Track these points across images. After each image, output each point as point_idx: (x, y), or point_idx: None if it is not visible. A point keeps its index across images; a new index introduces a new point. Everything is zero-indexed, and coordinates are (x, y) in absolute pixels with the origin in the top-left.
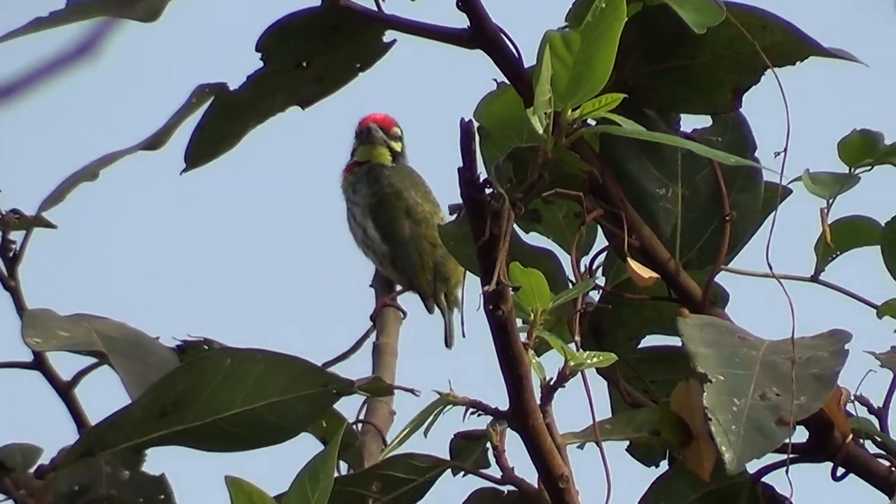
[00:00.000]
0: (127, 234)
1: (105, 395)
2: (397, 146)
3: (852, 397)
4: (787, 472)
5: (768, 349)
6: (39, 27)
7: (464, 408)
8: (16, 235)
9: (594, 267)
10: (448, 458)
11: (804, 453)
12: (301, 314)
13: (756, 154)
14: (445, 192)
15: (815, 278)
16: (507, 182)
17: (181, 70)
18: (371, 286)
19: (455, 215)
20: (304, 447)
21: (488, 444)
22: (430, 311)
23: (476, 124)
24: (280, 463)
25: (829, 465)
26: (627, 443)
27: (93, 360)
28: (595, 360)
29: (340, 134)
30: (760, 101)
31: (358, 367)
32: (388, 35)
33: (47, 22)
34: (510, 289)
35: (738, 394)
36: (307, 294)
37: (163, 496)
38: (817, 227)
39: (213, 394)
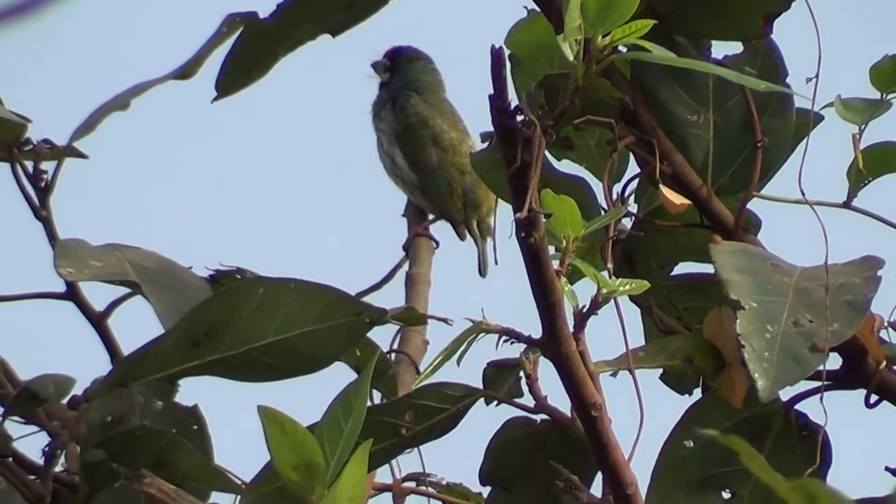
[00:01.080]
0: (159, 163)
1: (138, 325)
2: (384, 76)
3: (886, 324)
4: (821, 399)
5: (801, 276)
6: None
7: (497, 336)
8: (47, 166)
9: (626, 194)
10: (481, 386)
11: (837, 380)
12: (334, 244)
13: (787, 80)
14: (477, 120)
15: (847, 204)
16: (539, 109)
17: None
18: (403, 216)
19: (487, 142)
20: (337, 376)
21: (521, 373)
22: (461, 237)
23: (507, 52)
24: (313, 392)
25: (863, 391)
26: (661, 370)
27: (126, 291)
28: (627, 287)
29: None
30: (791, 27)
31: (391, 297)
32: None
33: None
34: (542, 216)
35: (771, 320)
36: (340, 224)
37: (196, 426)
38: (849, 153)
39: (246, 323)
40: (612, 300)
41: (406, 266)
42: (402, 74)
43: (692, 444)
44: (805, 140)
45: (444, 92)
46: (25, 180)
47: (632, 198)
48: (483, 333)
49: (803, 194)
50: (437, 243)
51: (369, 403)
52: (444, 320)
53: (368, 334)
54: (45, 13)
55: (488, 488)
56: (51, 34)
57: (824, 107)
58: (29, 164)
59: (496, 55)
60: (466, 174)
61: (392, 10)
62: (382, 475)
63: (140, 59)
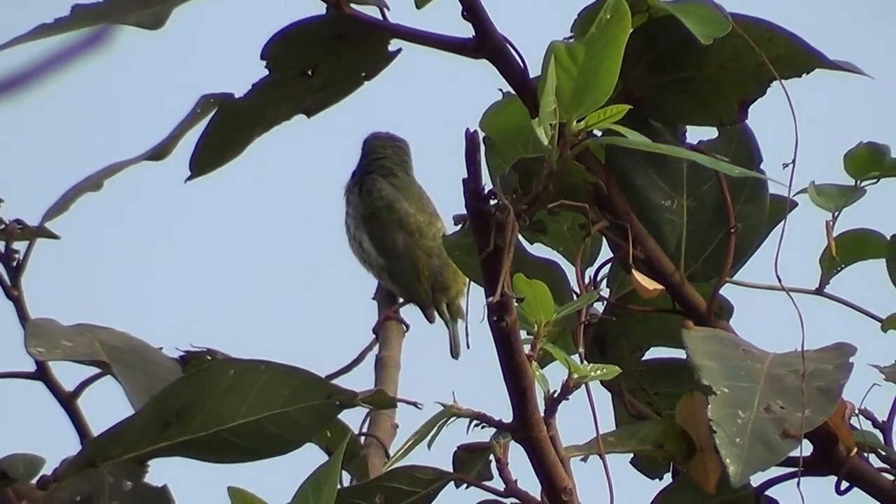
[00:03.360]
0: (130, 244)
1: (108, 405)
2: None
3: (857, 411)
4: (798, 484)
5: (773, 362)
6: (44, 34)
7: (467, 420)
8: (19, 245)
9: (598, 278)
10: (451, 470)
11: (809, 466)
12: (304, 326)
13: (762, 166)
14: (451, 203)
15: (819, 291)
16: (513, 193)
17: (185, 77)
18: (374, 299)
19: (459, 226)
20: (307, 458)
21: (491, 457)
22: (430, 320)
23: (481, 135)
24: (283, 474)
25: (834, 478)
26: (631, 455)
27: (96, 371)
28: (599, 372)
29: (345, 144)
30: (766, 113)
31: (361, 380)
32: (394, 44)
33: (52, 28)
34: (514, 300)
35: (742, 406)
36: (310, 306)
37: None
38: (822, 239)
39: (216, 405)
40: (584, 385)
41: (376, 349)
42: (370, 156)
43: None
44: (782, 225)
45: (411, 172)
46: None
47: (604, 282)
48: (454, 417)
49: (779, 280)
50: (408, 326)
51: (339, 486)
52: (414, 404)
53: (339, 417)
54: (18, 95)
55: None
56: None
57: (798, 193)
58: (0, 244)
59: (470, 139)
60: (434, 257)
61: (366, 91)
62: None
63: (113, 140)
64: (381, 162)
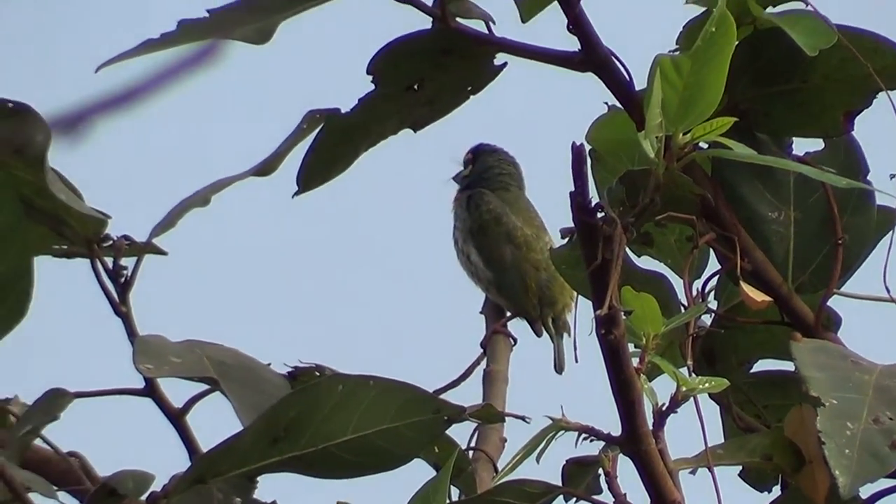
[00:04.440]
0: (238, 259)
1: (217, 421)
2: (465, 171)
3: None
4: None
5: (882, 373)
6: (151, 49)
7: (576, 433)
8: (127, 261)
9: (706, 291)
10: (560, 484)
11: None
12: (413, 341)
13: (868, 177)
14: (557, 216)
15: None
16: (619, 206)
17: (292, 92)
18: (481, 313)
19: (567, 239)
20: (416, 473)
21: (600, 470)
22: (537, 334)
23: (588, 148)
24: (392, 490)
25: None
26: (740, 468)
27: (204, 387)
28: (707, 385)
29: (452, 156)
30: (872, 124)
31: (469, 394)
32: (499, 58)
33: (159, 44)
34: (622, 313)
35: (851, 418)
36: (418, 320)
37: None
38: None
39: (325, 420)
40: (692, 398)
41: (484, 363)
42: (480, 170)
43: None
44: (888, 237)
45: (523, 187)
46: (105, 276)
47: (712, 294)
48: (562, 431)
49: (888, 291)
50: (515, 340)
51: (448, 501)
52: (522, 418)
53: (447, 431)
54: (134, 109)
55: None
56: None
57: None
58: (109, 260)
59: (577, 152)
60: (542, 270)
61: (473, 105)
62: None
63: (221, 155)
64: (494, 175)
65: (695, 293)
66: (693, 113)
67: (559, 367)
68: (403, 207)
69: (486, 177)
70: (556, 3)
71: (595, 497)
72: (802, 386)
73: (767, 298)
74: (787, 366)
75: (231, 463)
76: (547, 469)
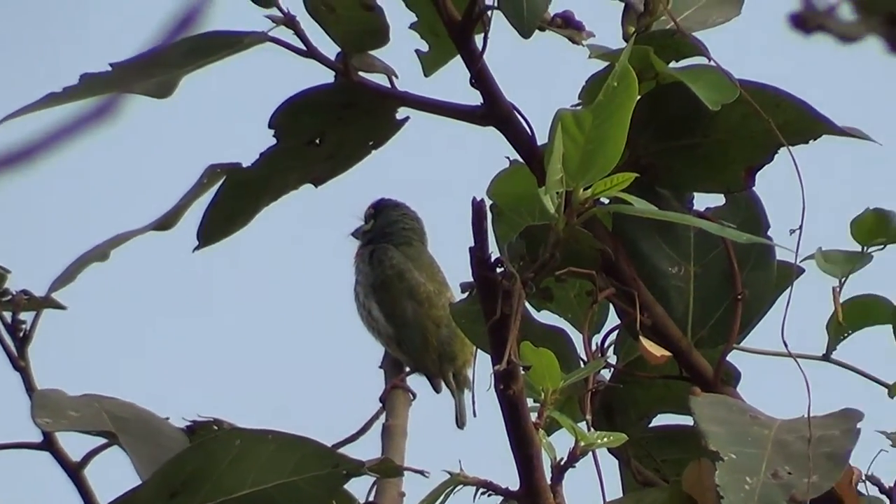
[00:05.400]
0: (137, 313)
1: (115, 475)
2: (367, 225)
3: (863, 477)
4: None
5: (780, 428)
6: (53, 102)
7: (474, 488)
8: (26, 316)
9: (606, 345)
10: None
11: None
12: (311, 395)
13: (769, 232)
14: (458, 271)
15: (826, 357)
16: (520, 260)
17: (192, 147)
18: (380, 367)
19: (467, 293)
20: None
21: None
22: (437, 390)
23: (489, 202)
24: None
25: None
26: None
27: (103, 441)
28: (606, 439)
29: (351, 211)
30: (773, 180)
31: (367, 449)
32: (402, 112)
33: (61, 97)
34: (521, 368)
35: (750, 472)
36: (316, 375)
37: None
38: (829, 305)
39: (223, 475)
40: (591, 452)
41: (383, 417)
42: (383, 225)
43: None
44: (789, 292)
45: (425, 242)
46: (4, 331)
47: (611, 349)
48: (460, 485)
49: (786, 346)
50: (414, 395)
51: None
52: (421, 472)
53: (345, 486)
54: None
55: None
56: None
57: (805, 259)
58: (7, 315)
59: (477, 207)
60: (443, 327)
61: (375, 161)
62: None
63: (119, 211)
64: (397, 230)
65: (594, 348)
66: (594, 168)
67: (460, 422)
68: (304, 262)
69: (389, 231)
70: (458, 57)
71: None
72: (701, 440)
73: (667, 353)
74: (687, 420)
75: None
76: None
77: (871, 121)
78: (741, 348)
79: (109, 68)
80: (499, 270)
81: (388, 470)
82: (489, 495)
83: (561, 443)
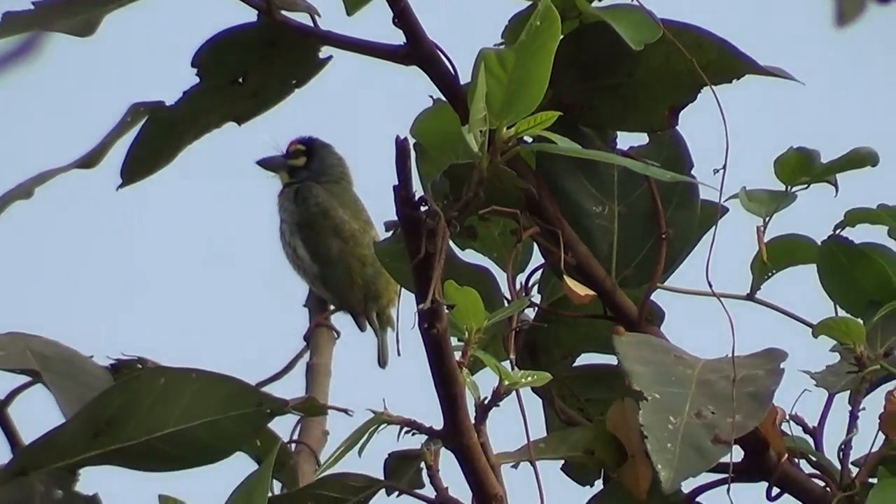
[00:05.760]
0: (61, 252)
1: (39, 413)
2: (297, 162)
3: (787, 416)
4: (728, 490)
5: (704, 368)
6: None
7: (398, 427)
8: None
9: (530, 284)
10: (382, 477)
11: (739, 473)
12: (235, 333)
13: (693, 171)
14: (382, 209)
15: (751, 296)
16: (444, 199)
17: (116, 85)
18: (305, 306)
19: (391, 232)
20: (238, 466)
21: (422, 464)
22: (361, 328)
23: (412, 141)
24: (214, 483)
25: (765, 484)
26: (562, 462)
27: (27, 379)
28: (530, 378)
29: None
30: (697, 119)
31: (291, 387)
32: (324, 51)
33: None
34: (445, 307)
35: (673, 412)
36: (241, 313)
37: None
38: (754, 245)
39: (147, 413)
40: (515, 391)
41: (307, 356)
42: (321, 168)
43: None
44: (713, 231)
45: (350, 181)
46: None
47: (535, 288)
48: (384, 424)
49: (710, 286)
50: (338, 333)
51: (270, 494)
52: (345, 411)
53: (269, 425)
54: None
55: None
56: None
57: (729, 198)
58: None
59: (401, 146)
60: (367, 266)
61: (297, 98)
62: None
63: (44, 148)
64: (326, 168)
65: (518, 287)
66: (517, 107)
67: (383, 361)
68: (227, 199)
69: (315, 169)
70: None
71: (417, 491)
72: (625, 380)
73: (591, 292)
74: (611, 360)
75: (53, 455)
76: (369, 463)
77: (793, 59)
78: (665, 287)
79: (32, 6)
80: (423, 209)
81: (312, 408)
82: (413, 434)
83: (485, 382)
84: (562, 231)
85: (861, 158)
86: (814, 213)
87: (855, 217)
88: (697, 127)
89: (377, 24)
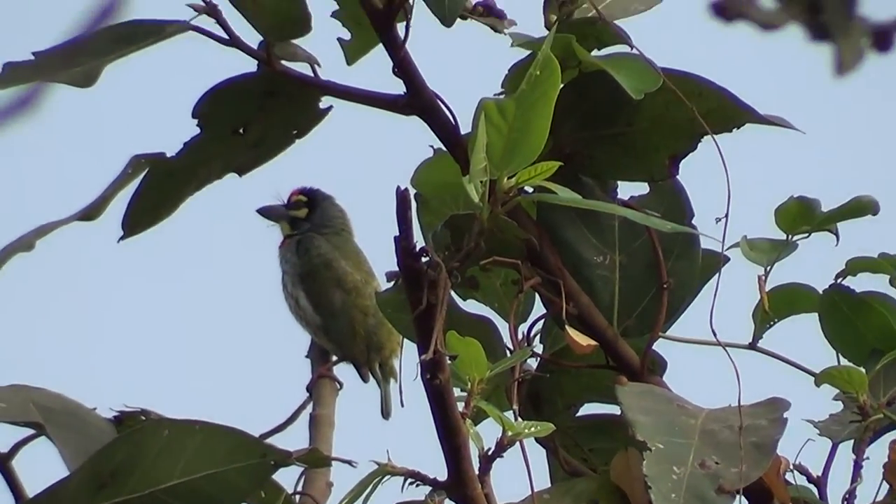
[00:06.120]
0: (64, 304)
1: (43, 466)
2: (299, 213)
3: (791, 466)
4: None
5: (707, 417)
6: None
7: (402, 478)
8: None
9: (532, 335)
10: None
11: None
12: (237, 385)
13: (694, 221)
14: (383, 260)
15: (753, 345)
16: (445, 250)
17: (117, 135)
18: (307, 357)
19: (392, 282)
20: None
21: None
22: (364, 379)
23: (413, 191)
24: None
25: None
26: None
27: (30, 432)
28: (533, 429)
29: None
30: (698, 169)
31: (295, 439)
32: (325, 101)
33: None
34: (447, 358)
35: (677, 462)
36: (244, 365)
37: None
38: (755, 294)
39: (151, 465)
40: (518, 442)
41: (310, 407)
42: (322, 219)
43: None
44: (717, 279)
45: (351, 233)
46: None
47: (538, 338)
48: (388, 476)
49: (715, 335)
50: (341, 384)
51: None
52: (349, 462)
53: (273, 476)
54: None
55: None
56: None
57: (730, 247)
58: None
59: (401, 196)
60: (370, 316)
61: (299, 149)
62: None
63: (45, 201)
64: (324, 220)
65: (521, 337)
66: (518, 157)
67: (386, 413)
68: (231, 251)
69: (316, 221)
70: (381, 46)
71: None
72: (629, 430)
73: (593, 342)
74: (614, 409)
75: None
76: None
77: (793, 109)
78: (667, 337)
79: (32, 57)
80: (424, 260)
81: (315, 460)
82: (417, 485)
83: (488, 433)
84: (563, 281)
85: (862, 207)
86: (815, 262)
87: (856, 266)
88: (698, 176)
89: (377, 74)
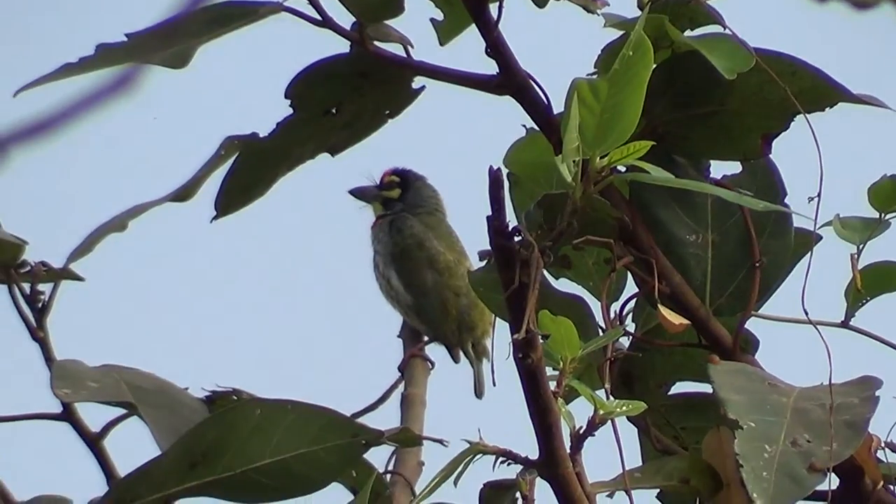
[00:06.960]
0: (156, 284)
1: (134, 446)
2: (392, 193)
3: (883, 444)
4: None
5: (799, 396)
6: (69, 73)
7: (493, 457)
8: (44, 287)
9: (624, 314)
10: None
11: (835, 500)
12: (330, 365)
13: (786, 200)
14: (476, 239)
15: (845, 324)
16: (537, 229)
17: (210, 116)
18: (399, 337)
19: (484, 262)
20: (334, 498)
21: (518, 494)
22: (455, 360)
23: (505, 171)
24: None
25: None
26: (658, 491)
27: (122, 411)
28: (625, 408)
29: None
30: (790, 147)
31: (386, 418)
32: (417, 81)
33: (76, 68)
34: (539, 337)
35: (769, 440)
36: (336, 345)
37: None
38: (848, 272)
39: (243, 444)
40: (610, 420)
41: (401, 387)
42: (416, 201)
43: None
44: (808, 258)
45: (444, 213)
46: (22, 301)
47: (630, 317)
48: (480, 454)
49: (806, 314)
50: (433, 364)
51: None
52: (440, 441)
53: (364, 456)
54: (52, 136)
55: None
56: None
57: (823, 226)
58: (26, 286)
59: (494, 176)
60: (462, 296)
61: (391, 129)
62: None
63: (139, 181)
64: (418, 200)
65: (613, 316)
66: (611, 136)
67: (479, 392)
68: (322, 231)
69: (410, 201)
70: (474, 26)
71: None
72: (720, 408)
73: (685, 321)
74: (705, 388)
75: (149, 487)
76: (464, 493)
77: (886, 88)
78: (759, 315)
79: (125, 38)
80: (516, 239)
81: (407, 439)
82: (508, 464)
83: (580, 411)
84: (656, 260)
85: None
86: None
87: None
88: (791, 155)
89: (470, 55)
